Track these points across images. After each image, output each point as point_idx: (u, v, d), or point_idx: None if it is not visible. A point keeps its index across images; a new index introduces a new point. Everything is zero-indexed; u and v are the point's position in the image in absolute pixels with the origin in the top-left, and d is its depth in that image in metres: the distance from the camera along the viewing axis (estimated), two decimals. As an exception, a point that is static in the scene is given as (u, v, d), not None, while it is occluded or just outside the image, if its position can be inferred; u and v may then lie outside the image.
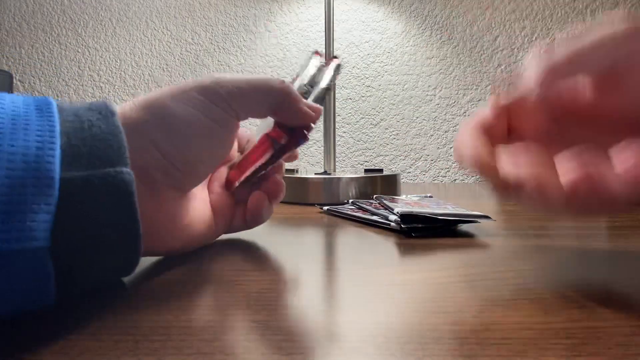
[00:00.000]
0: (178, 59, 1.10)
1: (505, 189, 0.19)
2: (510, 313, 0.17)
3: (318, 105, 0.28)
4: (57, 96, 1.09)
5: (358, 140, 1.03)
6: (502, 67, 1.09)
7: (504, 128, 0.24)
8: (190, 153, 0.23)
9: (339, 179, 0.52)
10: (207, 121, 0.23)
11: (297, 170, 0.61)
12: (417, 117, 1.08)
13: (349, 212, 0.42)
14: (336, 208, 0.45)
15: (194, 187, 0.25)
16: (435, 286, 0.21)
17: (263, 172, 0.29)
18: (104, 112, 0.19)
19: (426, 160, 1.05)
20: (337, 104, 1.06)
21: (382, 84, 1.08)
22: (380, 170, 0.60)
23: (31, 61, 1.09)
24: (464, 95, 1.09)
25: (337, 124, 0.98)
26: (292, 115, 0.27)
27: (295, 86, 0.30)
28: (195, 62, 1.10)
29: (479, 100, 1.08)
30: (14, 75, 1.07)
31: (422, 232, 0.34)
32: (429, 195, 0.50)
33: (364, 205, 0.43)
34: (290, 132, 0.28)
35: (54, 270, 0.16)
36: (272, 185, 0.30)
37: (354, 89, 1.09)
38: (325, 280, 0.22)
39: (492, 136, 0.22)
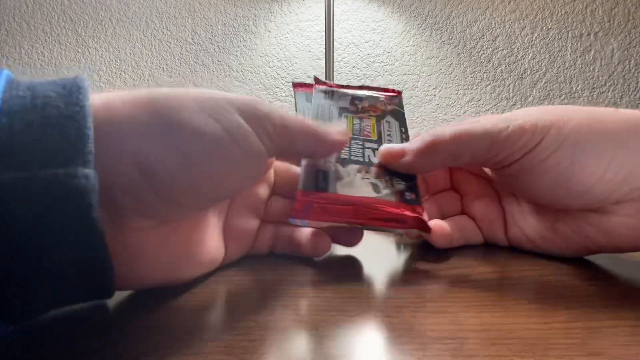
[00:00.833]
0: (178, 59, 1.10)
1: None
2: (510, 313, 0.17)
3: (346, 132, 0.24)
4: (57, 96, 1.09)
5: (358, 140, 1.03)
6: (502, 67, 1.09)
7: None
8: (186, 180, 0.16)
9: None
10: (233, 147, 0.17)
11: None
12: (417, 117, 1.08)
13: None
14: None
15: (179, 218, 0.18)
16: (436, 286, 0.21)
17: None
18: (69, 86, 0.14)
19: (426, 160, 1.05)
20: (337, 104, 1.06)
21: (382, 84, 1.08)
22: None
23: (31, 61, 1.09)
24: (464, 95, 1.09)
25: (337, 124, 0.98)
26: (327, 152, 0.24)
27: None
28: (195, 62, 1.10)
29: (479, 100, 1.08)
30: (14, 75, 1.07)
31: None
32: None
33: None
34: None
35: None
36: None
37: (354, 89, 1.09)
38: (325, 281, 0.22)
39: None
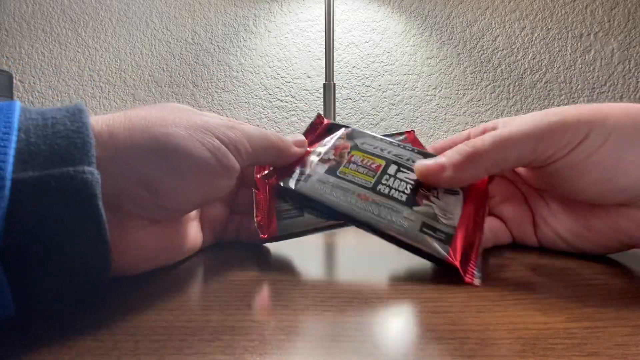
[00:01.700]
0: (178, 59, 1.10)
1: None
2: (510, 313, 0.17)
3: (301, 138, 0.28)
4: (57, 96, 1.09)
5: (358, 140, 1.03)
6: (502, 67, 1.09)
7: None
8: (181, 193, 0.20)
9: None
10: (218, 166, 0.21)
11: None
12: (417, 117, 1.08)
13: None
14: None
15: (169, 218, 0.23)
16: (436, 286, 0.21)
17: None
18: (72, 110, 0.17)
19: (426, 160, 1.05)
20: (337, 104, 1.06)
21: (382, 84, 1.08)
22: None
23: (31, 61, 1.09)
24: (464, 95, 1.09)
25: (337, 124, 0.98)
26: (283, 164, 0.27)
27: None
28: (195, 62, 1.10)
29: (479, 100, 1.08)
30: (14, 75, 1.07)
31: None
32: None
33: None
34: None
35: (5, 276, 0.14)
36: None
37: (354, 89, 1.09)
38: (325, 280, 0.22)
39: None
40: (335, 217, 0.25)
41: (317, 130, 0.30)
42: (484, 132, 0.28)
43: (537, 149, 0.23)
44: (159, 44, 1.09)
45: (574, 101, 1.11)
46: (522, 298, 0.19)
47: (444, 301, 0.19)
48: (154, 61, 1.09)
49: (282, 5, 1.09)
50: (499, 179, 0.30)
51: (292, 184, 0.26)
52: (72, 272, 0.17)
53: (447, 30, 1.08)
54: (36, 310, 0.17)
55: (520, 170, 0.29)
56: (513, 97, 1.09)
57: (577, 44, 1.08)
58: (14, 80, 1.07)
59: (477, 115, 1.08)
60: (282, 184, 0.26)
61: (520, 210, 0.29)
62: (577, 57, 1.09)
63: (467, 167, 0.24)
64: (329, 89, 0.90)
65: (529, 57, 1.09)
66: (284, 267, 0.25)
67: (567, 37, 1.08)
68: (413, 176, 0.25)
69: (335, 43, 1.01)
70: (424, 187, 0.25)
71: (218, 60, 1.10)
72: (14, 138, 0.15)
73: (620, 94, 1.10)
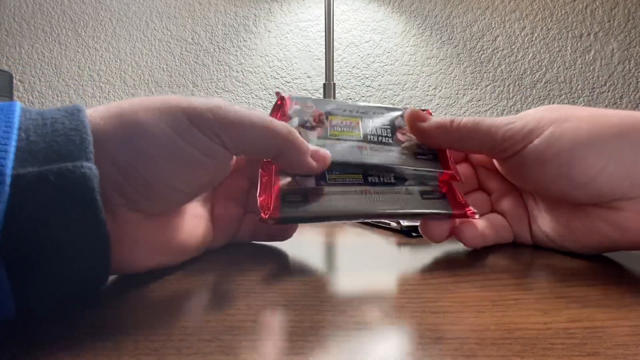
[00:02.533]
0: (178, 59, 1.10)
1: None
2: (510, 313, 0.17)
3: (326, 152, 0.25)
4: (57, 96, 1.09)
5: (358, 140, 1.03)
6: (502, 67, 1.09)
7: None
8: (157, 178, 0.19)
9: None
10: (187, 147, 0.20)
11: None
12: (417, 117, 1.08)
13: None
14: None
15: (164, 211, 0.22)
16: (435, 286, 0.21)
17: None
18: (70, 109, 0.18)
19: (426, 160, 1.05)
20: (337, 104, 1.06)
21: (382, 84, 1.08)
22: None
23: (31, 61, 1.09)
24: (464, 95, 1.09)
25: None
26: (294, 167, 0.24)
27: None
28: (195, 62, 1.10)
29: (479, 100, 1.08)
30: (14, 75, 1.07)
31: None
32: None
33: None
34: None
35: (6, 273, 0.15)
36: None
37: (354, 89, 1.09)
38: (324, 281, 0.22)
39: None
40: (346, 218, 0.26)
41: (283, 107, 0.30)
42: None
43: (496, 137, 0.25)
44: (159, 44, 1.09)
45: (573, 101, 1.11)
46: (522, 298, 0.19)
47: (444, 301, 0.19)
48: (154, 61, 1.09)
49: (282, 5, 1.09)
50: (498, 175, 0.30)
51: (292, 210, 0.25)
52: (72, 268, 0.17)
53: (447, 30, 1.08)
54: (36, 311, 0.17)
55: (496, 165, 0.30)
56: (513, 97, 1.09)
57: (577, 44, 1.08)
58: (14, 80, 1.07)
59: (477, 115, 1.08)
60: (281, 216, 0.24)
61: (518, 205, 0.30)
62: (577, 57, 1.09)
63: (440, 129, 0.27)
64: (329, 89, 0.90)
65: (529, 57, 1.09)
66: (284, 267, 0.25)
67: (567, 37, 1.08)
68: (384, 120, 0.30)
69: (335, 43, 1.01)
70: (396, 128, 0.30)
71: (218, 60, 1.10)
72: (14, 137, 0.16)
73: (620, 94, 1.10)
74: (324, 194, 0.25)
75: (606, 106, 1.10)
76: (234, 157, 0.23)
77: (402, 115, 0.30)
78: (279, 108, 0.29)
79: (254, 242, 0.30)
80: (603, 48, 1.08)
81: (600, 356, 0.14)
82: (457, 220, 0.27)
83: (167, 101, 0.20)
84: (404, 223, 0.34)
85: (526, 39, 1.08)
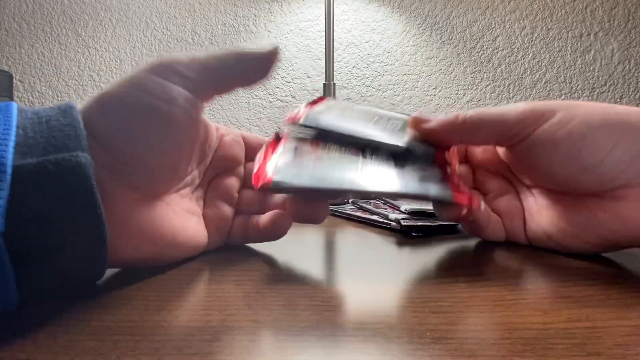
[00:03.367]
0: (178, 59, 1.10)
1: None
2: (510, 313, 0.17)
3: (274, 47, 0.24)
4: (57, 96, 1.09)
5: (358, 140, 1.03)
6: (502, 67, 1.09)
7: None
8: (134, 141, 0.20)
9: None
10: (155, 101, 0.20)
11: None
12: (417, 117, 1.08)
13: (349, 212, 0.42)
14: (336, 208, 0.45)
15: (152, 186, 0.22)
16: (435, 286, 0.21)
17: None
18: (63, 107, 0.19)
19: (426, 160, 1.05)
20: (337, 104, 1.06)
21: (382, 84, 1.08)
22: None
23: (31, 61, 1.09)
24: (464, 95, 1.09)
25: (337, 124, 0.98)
26: (255, 63, 0.24)
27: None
28: (195, 62, 1.10)
29: (479, 100, 1.08)
30: (14, 75, 1.07)
31: (422, 232, 0.34)
32: None
33: (365, 205, 0.43)
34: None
35: (10, 263, 0.15)
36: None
37: (354, 89, 1.09)
38: (325, 281, 0.22)
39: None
40: (341, 193, 0.26)
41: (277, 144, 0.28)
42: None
43: (507, 122, 0.26)
44: (159, 44, 1.09)
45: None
46: (522, 298, 0.19)
47: (444, 301, 0.19)
48: (154, 61, 1.10)
49: (282, 5, 1.09)
50: (495, 175, 0.31)
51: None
52: (72, 254, 0.17)
53: (447, 30, 1.08)
54: (38, 298, 0.18)
55: (503, 156, 0.30)
56: (513, 97, 1.09)
57: (577, 44, 1.08)
58: (14, 80, 1.07)
59: (477, 115, 1.08)
60: (274, 180, 0.23)
61: (512, 204, 0.30)
62: (577, 57, 1.09)
63: (446, 126, 0.27)
64: (329, 89, 0.90)
65: (529, 57, 1.09)
66: (284, 267, 0.25)
67: (567, 37, 1.08)
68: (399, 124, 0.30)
69: (335, 43, 1.01)
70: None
71: (218, 60, 1.10)
72: (13, 133, 0.17)
73: (620, 94, 1.10)
74: (320, 168, 0.25)
75: (606, 106, 1.10)
76: (200, 108, 0.23)
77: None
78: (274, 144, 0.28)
79: (263, 242, 0.29)
80: (603, 48, 1.08)
81: (600, 356, 0.14)
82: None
83: (139, 69, 0.21)
84: (404, 223, 0.34)
85: (526, 39, 1.08)
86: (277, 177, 0.23)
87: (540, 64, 1.09)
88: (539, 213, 0.28)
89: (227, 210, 0.28)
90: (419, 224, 0.34)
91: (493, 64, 1.09)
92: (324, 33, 0.95)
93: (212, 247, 0.27)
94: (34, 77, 1.09)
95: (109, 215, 0.19)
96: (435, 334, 0.15)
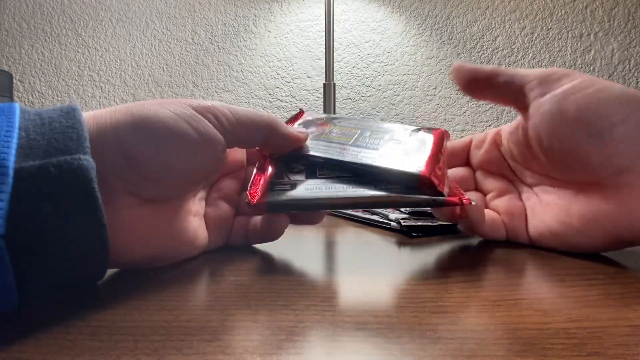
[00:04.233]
0: (178, 59, 1.10)
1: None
2: (510, 313, 0.17)
3: (304, 130, 0.30)
4: (57, 96, 1.09)
5: (358, 140, 1.03)
6: (502, 67, 1.09)
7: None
8: (159, 159, 0.21)
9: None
10: (189, 130, 0.22)
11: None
12: (417, 117, 1.08)
13: (349, 212, 0.42)
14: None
15: (161, 196, 0.23)
16: (435, 286, 0.21)
17: None
18: (66, 109, 0.19)
19: (426, 160, 1.05)
20: (337, 104, 1.06)
21: (382, 84, 1.08)
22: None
23: (31, 61, 1.09)
24: (464, 95, 1.09)
25: (337, 124, 0.98)
26: (282, 143, 0.28)
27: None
28: (195, 62, 1.10)
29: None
30: (14, 75, 1.07)
31: (422, 232, 0.34)
32: None
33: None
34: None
35: (11, 265, 0.15)
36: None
37: (354, 89, 1.09)
38: (325, 281, 0.22)
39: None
40: (333, 205, 0.26)
41: (297, 119, 0.34)
42: (484, 138, 0.33)
43: (526, 78, 0.27)
44: (159, 44, 1.09)
45: (574, 101, 1.10)
46: (522, 298, 0.19)
47: (444, 301, 0.19)
48: (154, 61, 1.09)
49: (282, 5, 1.09)
50: (496, 176, 0.32)
51: (279, 196, 0.26)
52: (73, 255, 0.18)
53: (447, 30, 1.08)
54: (38, 298, 0.18)
55: (507, 149, 0.31)
56: (513, 97, 1.09)
57: (577, 44, 1.08)
58: (14, 80, 1.07)
59: (477, 115, 1.08)
60: (268, 201, 0.25)
61: (513, 203, 0.30)
62: (577, 57, 1.09)
63: (478, 69, 0.29)
64: (329, 89, 0.90)
65: (529, 57, 1.09)
66: (284, 267, 0.25)
67: (567, 37, 1.08)
68: (385, 137, 0.30)
69: (335, 43, 1.01)
70: (392, 142, 0.29)
71: (218, 60, 1.10)
72: (15, 135, 0.17)
73: (620, 94, 1.10)
74: (311, 185, 0.26)
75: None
76: (227, 151, 0.25)
77: (414, 130, 0.31)
78: (294, 118, 0.34)
79: (263, 242, 0.29)
80: (603, 48, 1.08)
81: (600, 356, 0.14)
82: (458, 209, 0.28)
83: (181, 100, 0.23)
84: (404, 223, 0.34)
85: (526, 39, 1.08)
86: (271, 198, 0.26)
87: (540, 64, 1.09)
88: (543, 210, 0.28)
89: (228, 211, 0.28)
90: (419, 224, 0.34)
91: (493, 64, 1.09)
92: (324, 33, 0.95)
93: (213, 247, 0.28)
94: (34, 77, 1.09)
95: (112, 218, 0.19)
96: (435, 334, 0.15)
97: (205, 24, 1.10)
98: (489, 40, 1.08)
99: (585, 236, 0.26)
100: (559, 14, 1.08)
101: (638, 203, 0.23)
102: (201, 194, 0.28)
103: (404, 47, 1.08)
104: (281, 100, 1.09)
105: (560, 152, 0.26)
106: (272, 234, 0.27)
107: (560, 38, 1.08)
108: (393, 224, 0.35)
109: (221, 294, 0.20)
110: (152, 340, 0.15)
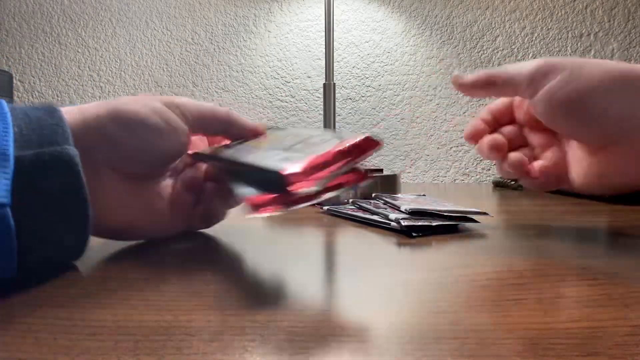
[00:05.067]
0: (178, 59, 1.10)
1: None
2: (510, 313, 0.17)
3: (263, 127, 0.34)
4: (57, 96, 1.09)
5: (358, 140, 1.03)
6: (500, 66, 1.09)
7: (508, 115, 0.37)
8: (135, 144, 0.27)
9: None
10: (159, 121, 0.27)
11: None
12: (417, 117, 1.08)
13: (349, 212, 0.42)
14: (336, 208, 0.45)
15: (138, 173, 0.28)
16: (435, 286, 0.21)
17: None
18: (49, 109, 0.24)
19: (426, 160, 1.05)
20: (337, 104, 1.06)
21: (382, 84, 1.08)
22: (380, 170, 0.60)
23: (31, 61, 1.09)
24: (463, 95, 1.09)
25: (337, 124, 0.98)
26: (239, 131, 0.32)
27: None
28: (195, 62, 1.10)
29: (479, 100, 1.08)
30: (14, 75, 1.07)
31: (422, 232, 0.34)
32: (422, 194, 0.50)
33: (365, 205, 0.43)
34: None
35: (15, 232, 0.19)
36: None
37: (354, 89, 1.09)
38: (325, 281, 0.22)
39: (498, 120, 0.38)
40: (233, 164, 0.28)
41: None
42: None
43: (518, 79, 0.31)
44: (159, 44, 1.09)
45: (574, 101, 1.10)
46: (522, 298, 0.19)
47: (444, 301, 0.19)
48: (154, 61, 1.09)
49: (282, 5, 1.09)
50: (542, 131, 0.35)
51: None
52: (60, 225, 0.22)
53: (447, 30, 1.08)
54: (30, 268, 0.21)
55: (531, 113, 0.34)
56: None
57: (577, 44, 1.08)
58: (14, 80, 1.07)
59: (477, 115, 1.08)
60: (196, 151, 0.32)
61: (556, 155, 0.34)
62: (577, 57, 1.09)
63: (477, 82, 0.34)
64: (329, 89, 0.90)
65: (529, 57, 1.09)
66: (284, 267, 0.25)
67: (567, 37, 1.08)
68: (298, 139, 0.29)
69: (335, 43, 1.01)
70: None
71: (218, 60, 1.10)
72: (11, 131, 0.21)
73: (620, 94, 1.10)
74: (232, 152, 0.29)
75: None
76: (190, 135, 0.30)
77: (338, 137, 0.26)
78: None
79: (253, 243, 0.29)
80: (603, 48, 1.08)
81: (600, 356, 0.14)
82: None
83: (148, 97, 0.28)
84: (404, 223, 0.34)
85: (526, 39, 1.08)
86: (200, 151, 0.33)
87: (540, 64, 1.09)
88: (580, 159, 0.32)
89: (191, 197, 0.32)
90: (419, 224, 0.34)
91: (493, 64, 1.09)
92: (324, 33, 0.95)
93: (174, 230, 0.32)
94: (34, 77, 1.09)
95: (96, 189, 0.24)
96: (435, 334, 0.15)
97: (205, 24, 1.10)
98: (489, 40, 1.08)
99: (622, 176, 0.30)
100: (559, 14, 1.08)
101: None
102: (168, 181, 0.32)
103: (404, 47, 1.08)
104: (281, 100, 1.09)
105: (569, 135, 0.31)
106: (212, 218, 0.33)
107: (560, 38, 1.08)
108: (393, 224, 0.35)
109: (221, 294, 0.20)
110: (152, 340, 0.15)
